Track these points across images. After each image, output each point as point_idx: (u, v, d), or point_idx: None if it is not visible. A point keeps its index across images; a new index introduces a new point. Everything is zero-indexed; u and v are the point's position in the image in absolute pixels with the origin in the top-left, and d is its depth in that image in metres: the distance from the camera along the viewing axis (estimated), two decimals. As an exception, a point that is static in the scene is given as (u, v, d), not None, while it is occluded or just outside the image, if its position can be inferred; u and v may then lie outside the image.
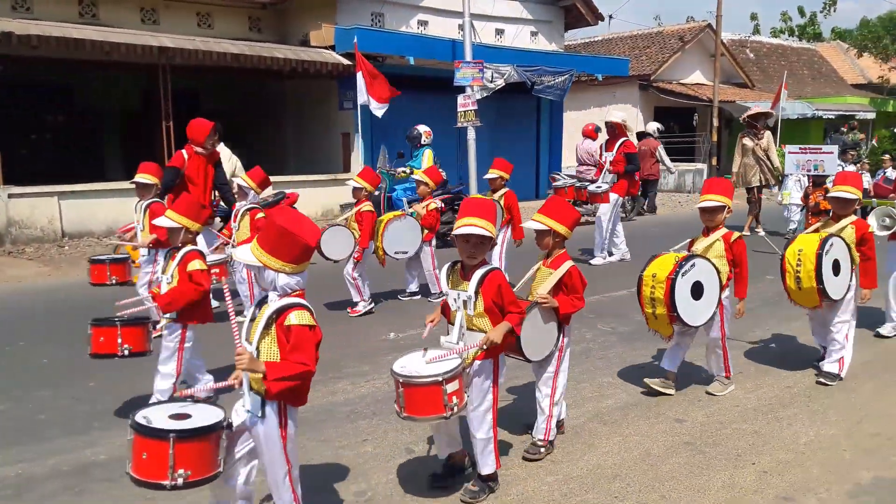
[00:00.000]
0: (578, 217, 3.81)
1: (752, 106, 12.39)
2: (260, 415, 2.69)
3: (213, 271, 5.74)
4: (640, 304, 4.48)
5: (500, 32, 17.03)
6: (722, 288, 4.45)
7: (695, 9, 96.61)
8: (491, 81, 14.43)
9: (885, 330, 6.11)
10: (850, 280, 4.82)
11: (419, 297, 7.54)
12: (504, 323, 3.30)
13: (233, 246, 6.37)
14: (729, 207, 4.58)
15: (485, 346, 3.23)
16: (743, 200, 12.81)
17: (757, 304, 7.23)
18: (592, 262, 9.36)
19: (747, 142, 11.73)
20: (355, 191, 7.01)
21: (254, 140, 16.68)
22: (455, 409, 3.07)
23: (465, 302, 3.30)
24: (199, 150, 6.99)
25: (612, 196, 9.23)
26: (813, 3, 79.78)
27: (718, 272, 4.41)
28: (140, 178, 6.13)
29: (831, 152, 9.70)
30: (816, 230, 4.99)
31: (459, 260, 3.40)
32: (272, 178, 7.51)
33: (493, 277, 3.28)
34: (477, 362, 3.30)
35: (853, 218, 4.97)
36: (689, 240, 4.74)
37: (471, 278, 3.28)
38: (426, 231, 7.25)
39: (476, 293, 3.27)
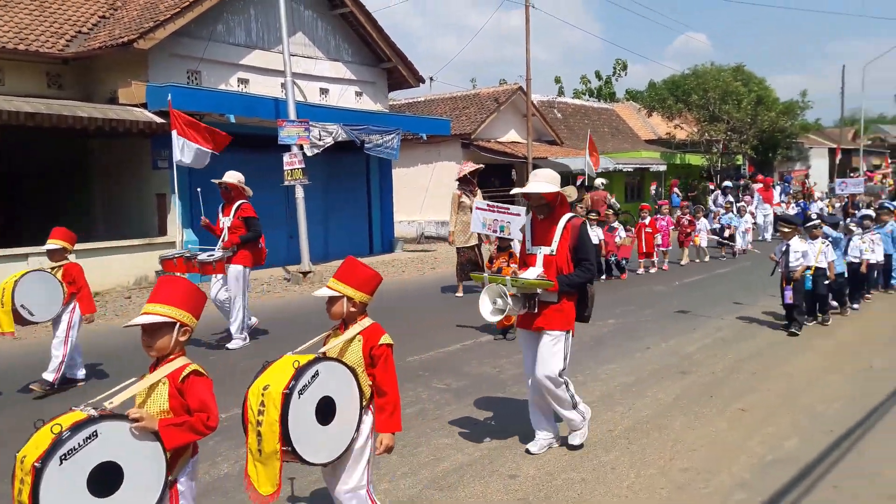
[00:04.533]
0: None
1: (465, 164, 11.76)
2: None
3: None
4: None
5: (324, 92, 17.13)
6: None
7: (506, 72, 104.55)
8: (319, 139, 14.40)
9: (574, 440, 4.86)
10: (358, 426, 3.12)
11: (83, 383, 6.61)
12: None
13: None
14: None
15: None
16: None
17: (576, 346, 7.67)
18: (230, 346, 8.01)
19: (465, 200, 11.12)
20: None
21: (58, 203, 15.26)
22: None
23: None
24: None
25: (236, 268, 8.03)
26: (608, 67, 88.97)
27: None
28: None
29: (519, 214, 8.20)
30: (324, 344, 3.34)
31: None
32: (79, 245, 6.77)
33: None
34: None
35: (367, 324, 3.25)
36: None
37: None
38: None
39: None
